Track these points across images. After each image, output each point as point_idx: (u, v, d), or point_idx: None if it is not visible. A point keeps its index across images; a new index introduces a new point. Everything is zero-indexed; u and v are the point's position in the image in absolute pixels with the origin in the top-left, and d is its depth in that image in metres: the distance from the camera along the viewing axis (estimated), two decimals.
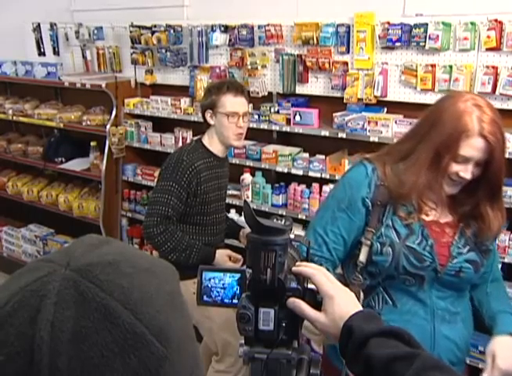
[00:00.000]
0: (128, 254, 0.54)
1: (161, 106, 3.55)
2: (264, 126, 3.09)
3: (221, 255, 2.42)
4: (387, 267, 1.40)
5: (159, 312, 0.50)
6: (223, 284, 0.85)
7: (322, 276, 0.86)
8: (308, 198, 2.97)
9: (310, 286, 0.87)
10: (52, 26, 4.00)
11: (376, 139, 2.70)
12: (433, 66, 2.59)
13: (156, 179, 3.55)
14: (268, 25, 3.04)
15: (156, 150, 3.61)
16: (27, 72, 4.12)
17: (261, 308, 0.83)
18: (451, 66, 2.53)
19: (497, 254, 1.69)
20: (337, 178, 2.86)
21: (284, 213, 3.00)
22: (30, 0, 4.21)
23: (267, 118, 3.08)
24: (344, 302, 0.85)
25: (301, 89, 3.06)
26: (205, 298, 0.86)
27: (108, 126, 3.64)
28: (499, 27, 2.38)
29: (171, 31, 3.40)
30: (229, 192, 2.69)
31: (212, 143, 2.42)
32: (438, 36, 2.51)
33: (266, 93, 3.16)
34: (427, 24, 2.54)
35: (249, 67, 3.14)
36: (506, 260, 2.43)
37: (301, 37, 2.92)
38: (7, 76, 4.27)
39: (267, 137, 3.22)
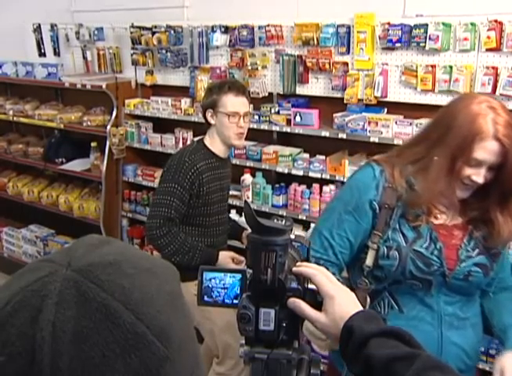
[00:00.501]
0: (129, 255, 0.55)
1: (162, 107, 3.55)
2: (264, 127, 3.09)
3: (224, 257, 2.41)
4: (393, 272, 1.37)
5: (160, 313, 0.50)
6: (224, 284, 0.85)
7: (322, 277, 0.86)
8: (309, 199, 2.97)
9: (310, 286, 0.87)
10: (53, 26, 4.01)
11: (376, 140, 2.70)
12: (433, 66, 2.59)
13: (156, 180, 3.58)
14: (268, 26, 3.04)
15: (156, 151, 3.61)
16: (27, 73, 4.12)
17: (262, 308, 0.83)
18: (451, 67, 2.54)
19: (510, 260, 1.62)
20: (337, 178, 2.86)
21: (284, 213, 3.00)
22: (30, 1, 4.22)
23: (267, 119, 3.08)
24: (344, 302, 0.85)
25: (301, 90, 3.06)
26: (206, 298, 0.86)
27: (108, 127, 3.64)
28: (499, 28, 2.38)
29: (172, 32, 3.41)
30: (230, 192, 2.69)
31: (213, 143, 2.41)
32: (438, 36, 2.51)
33: (266, 94, 3.16)
34: (427, 25, 2.54)
35: (249, 68, 3.14)
36: None
37: (301, 37, 2.92)
38: (7, 77, 4.27)
39: (267, 137, 3.23)
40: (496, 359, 1.36)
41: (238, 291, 0.85)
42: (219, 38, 3.23)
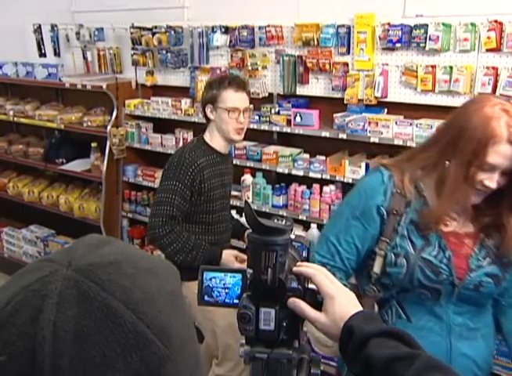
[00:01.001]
0: (130, 254, 0.55)
1: (162, 107, 3.55)
2: (264, 127, 3.09)
3: (228, 256, 2.37)
4: (401, 279, 1.34)
5: (160, 312, 0.50)
6: (224, 284, 0.85)
7: (322, 277, 0.86)
8: (309, 199, 2.97)
9: (311, 286, 0.87)
10: (53, 27, 4.01)
11: (376, 140, 2.71)
12: (433, 67, 2.59)
13: (156, 180, 3.58)
14: (268, 26, 3.04)
15: (156, 151, 3.62)
16: (27, 73, 4.12)
17: (262, 308, 0.83)
18: (451, 67, 2.54)
19: None
20: (337, 178, 2.86)
21: (285, 214, 3.00)
22: (30, 1, 4.22)
23: (267, 119, 3.08)
24: (344, 302, 0.85)
25: (301, 90, 3.06)
26: (206, 297, 0.86)
27: (109, 127, 3.65)
28: (499, 28, 2.39)
29: (172, 32, 3.41)
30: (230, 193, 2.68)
31: (213, 139, 2.38)
32: (438, 37, 2.52)
33: (267, 94, 3.17)
34: (427, 25, 2.54)
35: (249, 68, 3.14)
36: None
37: (301, 38, 2.92)
38: (8, 77, 4.27)
39: (267, 138, 3.23)
40: None
41: (238, 291, 0.85)
42: (219, 39, 3.23)
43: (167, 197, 2.25)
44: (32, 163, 4.18)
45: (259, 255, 0.81)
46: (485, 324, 1.43)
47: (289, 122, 3.00)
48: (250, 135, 2.70)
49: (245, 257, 2.44)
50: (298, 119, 2.96)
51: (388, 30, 2.65)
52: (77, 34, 3.90)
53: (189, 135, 3.43)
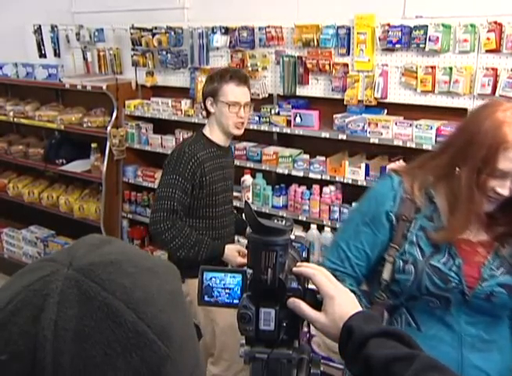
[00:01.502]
0: (130, 254, 0.55)
1: (162, 108, 3.56)
2: (264, 128, 3.09)
3: (231, 251, 2.35)
4: (409, 286, 1.31)
5: (161, 312, 0.50)
6: (224, 284, 0.85)
7: (322, 277, 0.86)
8: (309, 199, 2.97)
9: (310, 286, 0.87)
10: (53, 28, 4.02)
11: (376, 141, 2.71)
12: (433, 67, 2.59)
13: (156, 181, 3.58)
14: (268, 27, 3.05)
15: (156, 152, 3.62)
16: (27, 74, 4.12)
17: (262, 308, 0.83)
18: (451, 68, 2.54)
19: None
20: (337, 179, 2.87)
21: (285, 214, 3.00)
22: (30, 2, 4.22)
23: (267, 120, 3.08)
24: (344, 303, 0.85)
25: (301, 91, 3.06)
26: (206, 298, 0.86)
27: (109, 128, 3.65)
28: (499, 29, 2.39)
29: (172, 33, 3.41)
30: None
31: (213, 133, 2.37)
32: (437, 38, 2.52)
33: (267, 95, 3.17)
34: (427, 26, 2.54)
35: (249, 69, 3.15)
36: None
37: (301, 38, 2.93)
38: (8, 78, 4.27)
39: (267, 139, 3.23)
40: None
41: (238, 291, 0.85)
42: (219, 39, 3.23)
43: (168, 192, 2.23)
44: (32, 163, 4.18)
45: (259, 255, 0.81)
46: (502, 336, 1.38)
47: (289, 123, 3.01)
48: (250, 135, 2.70)
49: None
50: (298, 120, 2.96)
51: (388, 31, 2.65)
52: (77, 34, 3.90)
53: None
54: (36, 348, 0.45)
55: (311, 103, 3.09)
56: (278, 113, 3.06)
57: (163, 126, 3.68)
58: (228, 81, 2.28)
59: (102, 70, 3.89)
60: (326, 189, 2.93)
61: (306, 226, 3.02)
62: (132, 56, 3.68)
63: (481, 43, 2.45)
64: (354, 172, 2.79)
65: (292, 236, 0.88)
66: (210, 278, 0.86)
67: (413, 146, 2.60)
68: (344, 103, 2.87)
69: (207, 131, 2.38)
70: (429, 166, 1.36)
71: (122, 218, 3.89)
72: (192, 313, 2.48)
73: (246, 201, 0.88)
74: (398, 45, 2.64)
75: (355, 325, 0.80)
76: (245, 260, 2.40)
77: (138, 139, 3.71)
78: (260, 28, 3.09)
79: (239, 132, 2.39)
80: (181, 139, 3.45)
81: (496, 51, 2.43)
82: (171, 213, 2.23)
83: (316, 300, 0.86)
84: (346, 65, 2.85)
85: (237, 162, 3.13)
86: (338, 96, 2.90)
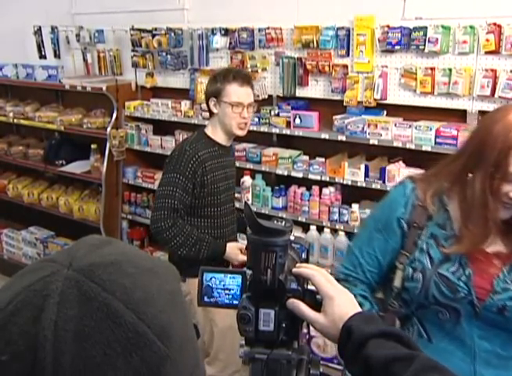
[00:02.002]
0: (130, 255, 0.55)
1: (162, 109, 3.56)
2: (264, 129, 3.10)
3: (232, 248, 2.34)
4: (417, 295, 1.29)
5: (161, 312, 0.51)
6: (224, 285, 0.86)
7: (321, 278, 0.86)
8: (308, 201, 2.97)
9: (310, 287, 0.87)
10: (53, 29, 4.02)
11: (375, 142, 2.71)
12: (432, 69, 2.60)
13: (156, 182, 3.58)
14: (268, 28, 3.05)
15: (156, 153, 3.62)
16: (27, 75, 4.13)
17: (262, 308, 0.84)
18: (450, 70, 2.55)
19: None
20: (336, 180, 2.87)
21: (284, 215, 3.01)
22: (31, 3, 4.23)
23: (267, 121, 3.09)
24: (343, 303, 0.85)
25: (301, 92, 3.07)
26: (206, 298, 0.86)
27: (108, 129, 3.65)
28: (498, 31, 2.40)
29: (172, 34, 3.42)
30: None
31: (215, 133, 2.35)
32: (437, 39, 2.52)
33: (266, 96, 3.17)
34: (426, 28, 2.55)
35: (249, 70, 3.15)
36: None
37: (301, 40, 2.93)
38: (8, 79, 4.28)
39: (267, 140, 3.23)
40: None
41: (238, 292, 0.85)
42: (219, 41, 3.24)
43: (169, 190, 2.22)
44: (32, 164, 4.18)
45: (259, 256, 0.81)
46: None
47: (288, 124, 3.01)
48: (250, 136, 2.70)
49: None
50: (298, 121, 2.96)
51: (388, 33, 2.66)
52: (77, 35, 3.90)
53: None
54: (36, 348, 0.45)
55: (310, 104, 3.10)
56: (277, 115, 3.07)
57: (163, 127, 3.68)
58: (231, 81, 2.27)
59: (102, 71, 3.89)
60: (325, 190, 2.93)
61: (306, 227, 3.02)
62: (132, 57, 3.68)
63: (480, 44, 2.45)
64: (353, 173, 2.79)
65: (291, 237, 0.88)
66: (210, 279, 0.86)
67: (413, 147, 2.60)
68: (344, 104, 2.87)
69: (209, 130, 2.37)
70: (444, 172, 1.34)
71: (122, 219, 3.89)
72: (191, 313, 2.50)
73: (245, 202, 0.88)
74: (397, 47, 2.64)
75: (355, 325, 0.80)
76: (245, 258, 2.39)
77: (138, 140, 3.71)
78: (260, 29, 3.09)
79: (243, 133, 2.38)
80: (181, 140, 3.45)
81: (495, 52, 2.43)
82: (172, 211, 2.22)
83: (316, 301, 0.86)
84: (346, 66, 2.85)
85: (237, 163, 3.12)
86: (338, 97, 2.91)
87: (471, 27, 2.46)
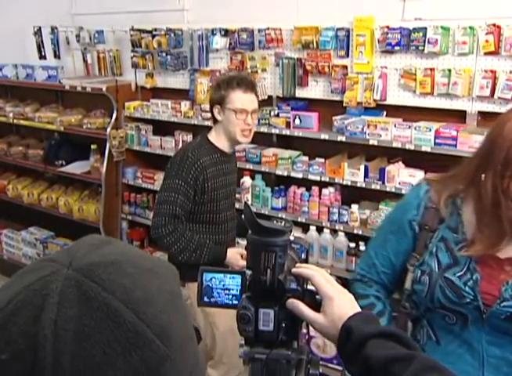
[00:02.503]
0: (130, 255, 0.55)
1: (161, 110, 3.56)
2: (264, 129, 3.10)
3: (233, 254, 2.34)
4: (423, 298, 1.29)
5: (160, 312, 0.51)
6: (223, 285, 0.86)
7: (321, 278, 0.86)
8: (308, 201, 2.97)
9: (309, 287, 0.88)
10: (53, 29, 4.02)
11: (375, 143, 2.71)
12: (432, 70, 2.60)
13: (156, 182, 3.58)
14: (268, 29, 3.05)
15: (156, 153, 3.62)
16: (27, 75, 4.13)
17: (261, 308, 0.84)
18: (450, 70, 2.55)
19: None
20: (336, 181, 2.87)
21: (284, 216, 3.01)
22: (31, 3, 4.23)
23: (267, 122, 3.09)
24: (343, 303, 0.85)
25: (300, 93, 3.07)
26: (205, 298, 0.87)
27: (108, 129, 3.65)
28: (498, 32, 2.40)
29: (172, 35, 3.42)
30: None
31: (219, 139, 2.36)
32: (436, 40, 2.53)
33: (266, 97, 3.17)
34: (426, 28, 2.55)
35: (249, 71, 3.15)
36: None
37: (300, 41, 2.93)
38: (8, 79, 4.28)
39: (267, 140, 3.23)
40: None
41: (238, 292, 0.85)
42: (219, 41, 3.24)
43: (170, 196, 2.23)
44: (32, 165, 4.18)
45: (258, 256, 0.82)
46: None
47: (288, 125, 3.01)
48: None
49: None
50: (297, 121, 2.96)
51: (387, 33, 2.66)
52: (77, 36, 3.90)
53: (189, 138, 3.43)
54: (36, 347, 0.45)
55: (310, 104, 3.10)
56: (277, 115, 3.07)
57: (162, 128, 3.68)
58: (235, 88, 2.27)
59: (102, 72, 3.89)
60: (325, 191, 2.94)
61: (305, 228, 3.02)
62: (132, 58, 3.68)
63: (479, 45, 2.46)
64: (353, 174, 2.79)
65: (291, 238, 0.88)
66: (210, 279, 0.86)
67: (412, 147, 2.60)
68: (344, 104, 2.87)
69: (212, 136, 2.37)
70: (459, 174, 1.33)
71: (122, 219, 3.89)
72: (192, 317, 2.49)
73: (245, 202, 0.88)
74: (397, 47, 2.65)
75: (354, 325, 0.80)
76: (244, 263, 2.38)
77: (138, 140, 3.71)
78: (259, 30, 3.09)
79: (247, 140, 2.39)
80: (180, 141, 3.46)
81: (495, 53, 2.43)
82: (173, 217, 2.23)
83: (315, 301, 0.86)
84: (345, 67, 2.85)
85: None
86: (337, 98, 2.91)
87: (471, 27, 2.47)
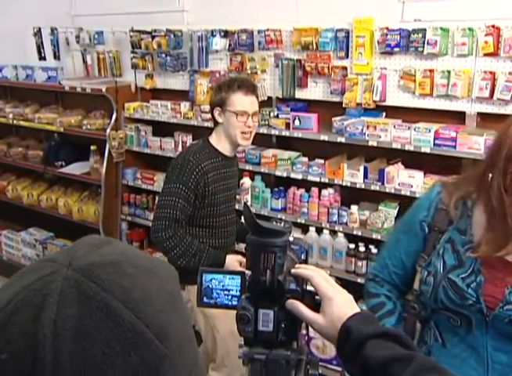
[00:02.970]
0: (130, 255, 0.55)
1: (161, 111, 3.56)
2: (263, 130, 3.10)
3: (232, 260, 2.34)
4: (428, 298, 1.30)
5: (159, 312, 0.51)
6: (223, 286, 0.86)
7: (320, 278, 0.87)
8: (307, 202, 2.98)
9: (309, 288, 0.88)
10: (53, 30, 4.02)
11: (374, 144, 2.71)
12: (431, 71, 2.60)
13: (155, 183, 3.59)
14: (267, 30, 3.06)
15: (155, 154, 3.62)
16: (27, 76, 4.14)
17: (261, 309, 0.84)
18: (449, 72, 2.55)
19: None
20: (336, 182, 2.87)
21: (283, 217, 3.00)
22: (31, 4, 4.24)
23: (266, 122, 3.09)
24: (342, 304, 0.85)
25: (300, 94, 3.07)
26: (205, 299, 0.87)
27: (108, 130, 3.65)
28: (497, 33, 2.40)
29: (171, 36, 3.42)
30: None
31: (220, 142, 2.35)
32: (436, 41, 2.53)
33: (266, 98, 3.18)
34: (425, 30, 2.56)
35: (249, 72, 3.16)
36: None
37: (300, 42, 2.94)
38: (8, 80, 4.28)
39: (266, 141, 3.23)
40: None
41: (237, 293, 0.86)
42: (219, 42, 3.24)
43: (171, 200, 2.22)
44: (31, 166, 4.18)
45: (258, 257, 0.82)
46: None
47: (288, 126, 3.01)
48: None
49: None
50: (297, 122, 2.97)
51: (387, 35, 2.66)
52: (77, 37, 3.91)
53: (188, 139, 3.43)
54: (36, 347, 0.45)
55: (310, 105, 3.10)
56: (277, 116, 3.07)
57: (162, 129, 3.68)
58: (235, 90, 2.27)
59: (102, 73, 3.90)
60: (324, 192, 2.94)
61: (305, 229, 3.02)
62: (132, 59, 3.68)
63: (479, 47, 2.46)
64: (352, 175, 2.79)
65: (290, 238, 0.89)
66: (210, 280, 0.86)
67: (412, 148, 2.61)
68: (343, 105, 2.88)
69: (213, 140, 2.36)
70: (471, 176, 1.33)
71: (121, 220, 3.89)
72: (192, 320, 2.49)
73: (245, 203, 0.88)
74: (396, 49, 2.65)
75: (353, 326, 0.80)
76: (247, 272, 2.38)
77: (138, 141, 3.71)
78: (259, 31, 3.10)
79: (247, 143, 2.38)
80: (180, 142, 3.46)
81: (494, 54, 2.44)
82: (173, 222, 2.22)
83: (315, 301, 0.86)
84: (345, 68, 2.86)
85: None
86: (337, 99, 2.91)
87: (470, 29, 2.47)
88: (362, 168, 2.77)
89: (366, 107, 2.83)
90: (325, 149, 3.00)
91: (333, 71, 2.88)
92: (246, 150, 3.17)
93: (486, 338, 1.24)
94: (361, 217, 2.83)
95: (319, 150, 3.02)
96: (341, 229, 2.88)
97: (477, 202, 1.30)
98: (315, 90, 3.03)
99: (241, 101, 2.27)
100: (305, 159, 3.02)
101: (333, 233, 2.96)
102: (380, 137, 2.69)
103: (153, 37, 3.50)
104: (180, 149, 3.39)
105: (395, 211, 2.75)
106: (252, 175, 3.20)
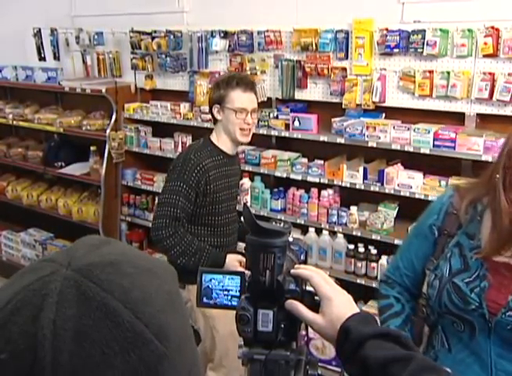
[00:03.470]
0: (130, 255, 0.55)
1: (161, 111, 3.57)
2: (263, 131, 3.10)
3: (232, 260, 2.32)
4: (433, 302, 1.29)
5: (159, 312, 0.51)
6: (223, 286, 0.86)
7: (320, 279, 0.87)
8: (307, 203, 2.98)
9: (308, 288, 0.88)
10: (53, 31, 4.03)
11: (374, 145, 2.72)
12: (431, 72, 2.61)
13: (155, 184, 3.59)
14: (267, 31, 3.06)
15: (155, 155, 3.62)
16: (27, 77, 4.14)
17: (260, 309, 0.84)
18: (448, 73, 2.55)
19: None
20: (335, 183, 2.88)
21: (283, 218, 3.01)
22: (30, 5, 4.24)
23: (266, 123, 3.09)
24: (341, 304, 0.85)
25: (300, 95, 3.07)
26: (205, 299, 0.87)
27: (108, 131, 3.65)
28: (496, 34, 2.41)
29: (171, 37, 3.43)
30: None
31: (220, 140, 2.35)
32: (435, 42, 2.53)
33: (265, 99, 3.18)
34: (424, 31, 2.56)
35: (248, 73, 3.16)
36: None
37: (300, 43, 2.94)
38: (7, 81, 4.29)
39: (266, 142, 3.24)
40: None
41: (237, 293, 0.86)
42: (218, 43, 3.25)
43: (172, 198, 2.21)
44: (31, 166, 4.19)
45: (257, 257, 0.82)
46: None
47: (287, 126, 3.02)
48: None
49: None
50: (297, 123, 2.97)
51: (386, 36, 2.67)
52: (77, 38, 3.91)
53: (188, 140, 3.44)
54: (36, 347, 0.45)
55: (309, 106, 3.11)
56: (276, 117, 3.07)
57: (162, 129, 3.68)
58: (234, 87, 2.27)
59: (102, 74, 3.90)
60: (324, 193, 2.94)
61: (304, 229, 3.02)
62: (132, 60, 3.69)
63: (478, 48, 2.47)
64: (352, 176, 2.80)
65: (290, 239, 0.89)
66: (209, 280, 0.86)
67: (411, 149, 2.61)
68: (343, 106, 2.88)
69: (214, 138, 2.36)
70: (482, 179, 1.32)
71: (121, 221, 3.89)
72: (192, 320, 2.48)
73: (245, 204, 0.89)
74: (396, 50, 2.65)
75: (353, 326, 0.81)
76: (246, 271, 2.38)
77: (137, 142, 3.71)
78: (259, 32, 3.10)
79: (247, 140, 2.38)
80: (180, 143, 3.46)
81: (493, 56, 2.44)
82: (174, 220, 2.21)
83: (314, 302, 0.86)
84: (344, 69, 2.86)
85: None
86: (336, 100, 2.92)
87: (469, 30, 2.47)
88: (361, 169, 2.77)
89: (366, 108, 2.83)
90: (324, 150, 3.00)
91: (333, 72, 2.88)
92: (245, 151, 3.18)
93: (490, 345, 1.23)
94: (360, 218, 2.84)
95: (319, 151, 3.02)
96: (341, 230, 2.89)
97: (487, 206, 1.29)
98: (314, 91, 3.04)
99: (240, 98, 2.27)
100: (305, 160, 3.02)
101: (333, 233, 2.96)
102: (380, 138, 2.69)
103: (152, 38, 3.50)
104: (180, 149, 3.39)
105: (395, 212, 2.75)
106: (252, 176, 3.20)
